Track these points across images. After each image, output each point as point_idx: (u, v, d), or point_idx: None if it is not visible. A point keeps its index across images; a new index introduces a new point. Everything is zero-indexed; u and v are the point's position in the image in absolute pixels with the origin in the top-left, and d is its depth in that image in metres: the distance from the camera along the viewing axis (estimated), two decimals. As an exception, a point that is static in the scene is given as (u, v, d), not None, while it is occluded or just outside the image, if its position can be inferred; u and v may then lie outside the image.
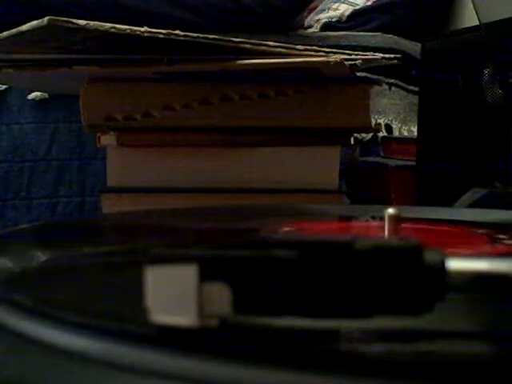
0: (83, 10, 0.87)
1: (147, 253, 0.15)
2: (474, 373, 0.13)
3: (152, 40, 0.46)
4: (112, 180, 0.55)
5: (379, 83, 0.61)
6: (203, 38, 0.46)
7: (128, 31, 0.45)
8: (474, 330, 0.17)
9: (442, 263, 0.14)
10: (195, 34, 0.46)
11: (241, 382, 0.13)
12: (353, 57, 0.50)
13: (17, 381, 0.14)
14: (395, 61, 0.52)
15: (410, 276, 0.14)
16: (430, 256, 0.14)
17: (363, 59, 0.50)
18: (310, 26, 1.23)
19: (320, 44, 0.87)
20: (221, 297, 0.14)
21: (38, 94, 0.91)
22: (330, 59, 0.48)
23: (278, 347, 0.14)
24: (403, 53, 0.96)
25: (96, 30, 0.44)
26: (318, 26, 1.21)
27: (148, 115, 0.53)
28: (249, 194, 0.54)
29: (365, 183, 0.69)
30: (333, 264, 0.14)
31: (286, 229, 0.33)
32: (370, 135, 0.91)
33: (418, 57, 0.61)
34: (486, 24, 0.54)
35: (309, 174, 0.54)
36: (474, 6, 0.63)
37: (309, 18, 1.24)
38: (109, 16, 0.63)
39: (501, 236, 0.30)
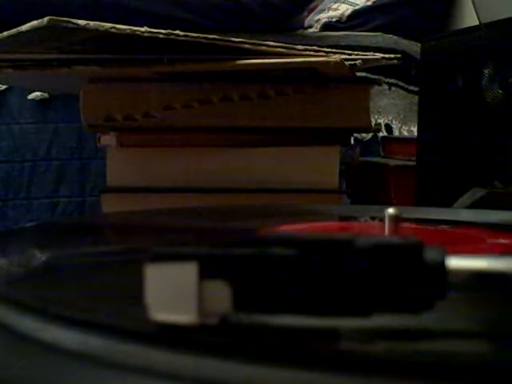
0: (83, 10, 0.87)
1: (147, 251, 0.15)
2: (473, 372, 0.13)
3: (152, 40, 0.46)
4: (112, 180, 0.55)
5: (379, 83, 0.61)
6: (203, 38, 0.46)
7: (128, 31, 0.45)
8: (473, 328, 0.16)
9: (443, 261, 0.14)
10: (195, 34, 0.46)
11: (240, 379, 0.13)
12: (353, 57, 0.50)
13: (17, 381, 0.14)
14: (395, 61, 0.52)
15: (410, 274, 0.14)
16: (430, 254, 0.14)
17: (363, 59, 0.50)
18: (310, 26, 1.23)
19: (320, 44, 0.87)
20: (220, 295, 0.14)
21: (37, 94, 0.91)
22: (330, 59, 0.48)
23: (278, 345, 0.14)
24: (403, 53, 0.96)
25: (96, 30, 0.44)
26: (318, 26, 1.21)
27: (148, 115, 0.53)
28: (249, 194, 0.53)
29: (365, 183, 0.69)
30: (333, 262, 0.14)
31: (286, 229, 0.33)
32: (369, 135, 0.91)
33: (418, 57, 0.61)
34: (486, 24, 0.54)
35: (309, 173, 0.54)
36: (474, 5, 0.63)
37: (309, 18, 1.24)
38: (109, 16, 0.63)
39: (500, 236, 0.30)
